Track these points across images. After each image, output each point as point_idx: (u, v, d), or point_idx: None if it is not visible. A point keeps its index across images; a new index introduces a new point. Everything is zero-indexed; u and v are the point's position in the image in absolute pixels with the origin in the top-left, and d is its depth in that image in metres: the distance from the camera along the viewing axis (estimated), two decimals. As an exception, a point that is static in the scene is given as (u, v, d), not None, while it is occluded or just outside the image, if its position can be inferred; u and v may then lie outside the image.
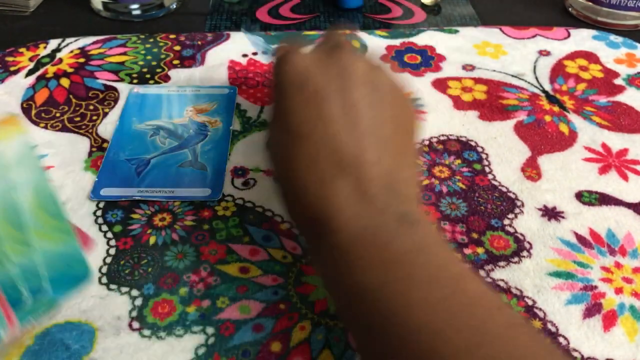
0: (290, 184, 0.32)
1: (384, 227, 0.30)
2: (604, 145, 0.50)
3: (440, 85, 0.57)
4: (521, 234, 0.42)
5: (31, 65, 0.59)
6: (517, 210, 0.44)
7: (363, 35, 0.64)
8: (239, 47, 0.62)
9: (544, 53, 0.62)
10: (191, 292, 0.38)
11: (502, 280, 0.39)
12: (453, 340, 0.25)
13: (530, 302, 0.38)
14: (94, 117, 0.52)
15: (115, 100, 0.54)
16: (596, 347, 0.35)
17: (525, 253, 0.41)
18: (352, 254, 0.29)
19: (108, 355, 0.34)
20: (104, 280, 0.39)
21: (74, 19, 0.68)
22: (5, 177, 0.31)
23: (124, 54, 0.60)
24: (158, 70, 0.58)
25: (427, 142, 0.50)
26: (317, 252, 0.32)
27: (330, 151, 0.31)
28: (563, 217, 0.44)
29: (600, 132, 0.52)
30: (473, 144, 0.50)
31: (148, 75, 0.57)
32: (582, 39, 0.64)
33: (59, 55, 0.60)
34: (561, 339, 0.36)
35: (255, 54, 0.61)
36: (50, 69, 0.58)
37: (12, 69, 0.58)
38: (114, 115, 0.52)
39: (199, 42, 0.62)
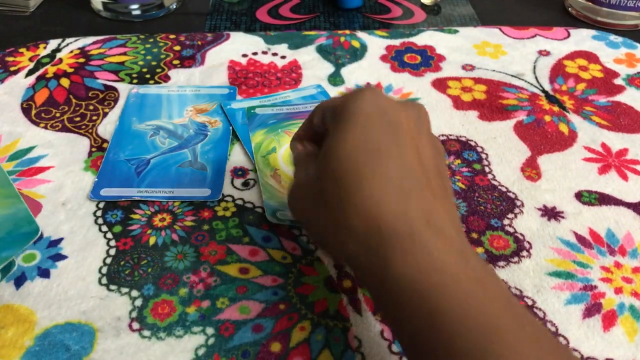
0: (360, 198, 0.31)
1: (469, 262, 0.29)
2: (603, 145, 0.50)
3: (440, 85, 0.57)
4: (521, 234, 0.42)
5: (31, 65, 0.59)
6: (516, 210, 0.44)
7: (363, 35, 0.64)
8: (239, 47, 0.62)
9: (543, 53, 0.62)
10: (191, 293, 0.38)
11: (502, 280, 0.39)
12: None
13: (530, 302, 0.38)
14: (94, 117, 0.52)
15: (115, 100, 0.54)
16: (596, 347, 0.35)
17: (524, 253, 0.41)
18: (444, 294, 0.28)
19: (108, 356, 0.34)
20: (104, 280, 0.39)
21: (74, 19, 0.68)
22: None
23: (124, 54, 0.60)
24: (158, 70, 0.58)
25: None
26: (380, 274, 0.30)
27: (404, 175, 0.32)
28: (563, 217, 0.44)
29: (600, 132, 0.52)
30: (473, 143, 0.50)
31: (148, 75, 0.57)
32: (582, 39, 0.64)
33: (59, 55, 0.60)
34: (561, 339, 0.36)
35: (255, 53, 0.61)
36: (50, 69, 0.58)
37: (12, 69, 0.58)
38: (113, 115, 0.53)
39: (199, 42, 0.62)
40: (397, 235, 0.29)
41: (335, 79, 0.57)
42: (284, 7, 0.71)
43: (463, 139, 0.51)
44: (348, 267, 0.34)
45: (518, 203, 0.45)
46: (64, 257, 0.40)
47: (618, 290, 0.39)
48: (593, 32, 0.65)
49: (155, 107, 0.53)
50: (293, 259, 0.40)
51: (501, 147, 0.50)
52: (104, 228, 0.42)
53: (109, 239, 0.42)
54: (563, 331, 0.36)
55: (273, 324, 0.36)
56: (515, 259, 0.41)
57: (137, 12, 0.67)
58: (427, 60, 0.60)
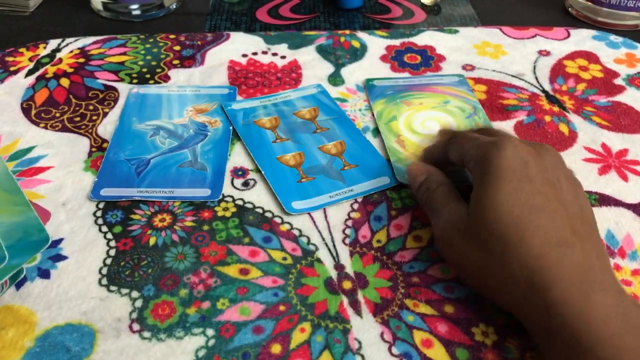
0: (522, 253, 0.33)
1: (630, 308, 0.31)
2: (603, 146, 0.50)
3: (440, 85, 0.57)
4: (521, 235, 0.42)
5: (31, 65, 0.59)
6: (516, 211, 0.44)
7: (363, 35, 0.64)
8: (239, 47, 0.62)
9: (543, 53, 0.62)
10: (191, 294, 0.38)
11: None
12: None
13: (529, 304, 0.38)
14: (94, 117, 0.52)
15: (115, 100, 0.54)
16: (596, 349, 0.35)
17: (525, 254, 0.41)
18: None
19: (108, 357, 0.34)
20: (104, 281, 0.39)
21: (74, 19, 0.68)
22: None
23: (124, 54, 0.60)
24: (158, 70, 0.58)
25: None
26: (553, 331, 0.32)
27: (556, 227, 0.34)
28: (563, 218, 0.44)
29: (600, 132, 0.52)
30: (473, 144, 0.50)
31: (148, 75, 0.57)
32: (582, 39, 0.64)
33: (58, 55, 0.60)
34: (561, 341, 0.36)
35: (255, 53, 0.61)
36: (50, 69, 0.58)
37: (12, 69, 0.58)
38: (113, 115, 0.53)
39: (199, 42, 0.62)
40: (557, 286, 0.32)
41: (335, 79, 0.57)
42: (284, 7, 0.71)
43: (463, 139, 0.51)
44: (513, 313, 0.35)
45: (518, 204, 0.45)
46: (64, 258, 0.40)
47: (618, 292, 0.39)
48: (593, 32, 0.65)
49: (155, 107, 0.53)
50: (293, 259, 0.40)
51: (501, 148, 0.50)
52: (104, 228, 0.42)
53: (109, 240, 0.42)
54: (563, 332, 0.36)
55: (273, 326, 0.36)
56: (515, 260, 0.41)
57: (137, 12, 0.67)
58: (427, 60, 0.60)
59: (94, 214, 0.43)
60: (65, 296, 0.38)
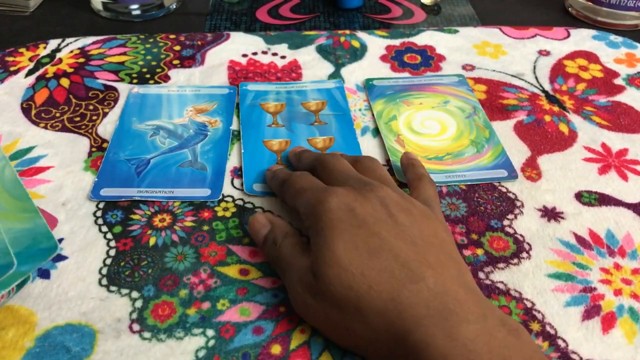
0: (368, 294, 0.32)
1: (494, 334, 0.30)
2: (603, 145, 0.50)
3: (440, 85, 0.57)
4: (521, 235, 0.42)
5: (31, 65, 0.59)
6: (516, 211, 0.44)
7: (363, 35, 0.64)
8: (239, 47, 0.62)
9: (543, 53, 0.62)
10: (191, 294, 0.38)
11: (502, 282, 0.39)
12: None
13: (529, 304, 0.38)
14: (94, 117, 0.52)
15: (115, 100, 0.54)
16: (595, 350, 0.35)
17: (524, 254, 0.41)
18: None
19: (108, 358, 0.34)
20: (104, 281, 0.39)
21: (73, 19, 0.68)
22: None
23: (124, 54, 0.60)
24: (158, 70, 0.58)
25: (426, 143, 0.50)
26: None
27: (401, 264, 0.33)
28: (563, 218, 0.44)
29: (600, 132, 0.52)
30: (473, 144, 0.50)
31: (148, 75, 0.57)
32: (582, 38, 0.64)
33: (58, 55, 0.60)
34: (560, 341, 0.36)
35: (255, 53, 0.61)
36: (50, 69, 0.58)
37: (12, 69, 0.58)
38: (113, 115, 0.53)
39: (199, 42, 0.62)
40: (418, 328, 0.30)
41: (335, 78, 0.57)
42: (284, 7, 0.71)
43: (463, 139, 0.51)
44: None
45: (518, 204, 0.45)
46: (64, 258, 0.40)
47: (617, 292, 0.39)
48: (593, 32, 0.65)
49: (155, 107, 0.53)
50: (293, 260, 0.40)
51: (501, 148, 0.50)
52: (104, 228, 0.42)
53: (109, 240, 0.42)
54: (562, 333, 0.36)
55: (273, 326, 0.36)
56: (515, 260, 0.41)
57: (137, 12, 0.67)
58: (427, 60, 0.60)
59: (94, 214, 0.43)
60: (65, 296, 0.38)
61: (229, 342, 0.35)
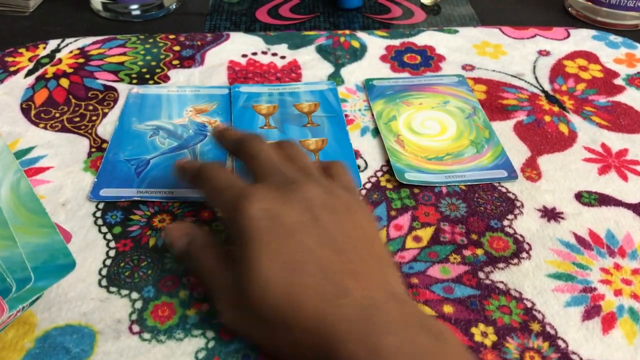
0: (292, 313, 0.31)
1: (416, 342, 0.30)
2: (603, 146, 0.50)
3: (440, 85, 0.57)
4: (520, 235, 0.42)
5: (31, 65, 0.59)
6: (516, 211, 0.44)
7: (363, 35, 0.64)
8: (239, 47, 0.62)
9: (543, 53, 0.62)
10: (191, 295, 0.38)
11: (502, 282, 0.39)
12: None
13: (529, 304, 0.38)
14: (94, 118, 0.52)
15: (115, 101, 0.54)
16: (595, 350, 0.35)
17: (524, 254, 0.41)
18: None
19: (108, 359, 0.34)
20: (104, 282, 0.39)
21: (73, 20, 0.68)
22: None
23: (124, 54, 0.60)
24: (157, 70, 0.58)
25: (426, 143, 0.50)
26: None
27: (326, 279, 0.32)
28: (562, 218, 0.44)
29: (600, 132, 0.52)
30: (473, 144, 0.50)
31: (147, 76, 0.57)
32: (582, 39, 0.64)
33: (58, 55, 0.60)
34: (560, 342, 0.36)
35: (255, 54, 0.61)
36: (50, 69, 0.58)
37: (11, 69, 0.58)
38: (113, 115, 0.52)
39: (199, 43, 0.62)
40: (342, 345, 0.30)
41: (335, 79, 0.57)
42: (284, 7, 0.71)
43: (463, 139, 0.51)
44: None
45: (518, 204, 0.45)
46: (63, 259, 0.40)
47: (617, 292, 0.39)
48: (593, 32, 0.65)
49: (155, 108, 0.53)
50: (293, 260, 0.40)
51: (501, 148, 0.50)
52: (104, 229, 0.42)
53: (109, 240, 0.42)
54: (562, 334, 0.36)
55: (273, 326, 0.36)
56: (515, 260, 0.41)
57: (137, 13, 0.67)
58: (427, 60, 0.60)
59: (94, 214, 0.43)
60: (64, 297, 0.38)
61: (229, 344, 0.35)
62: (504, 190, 0.46)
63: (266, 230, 0.33)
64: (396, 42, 0.63)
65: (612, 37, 0.64)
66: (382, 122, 0.52)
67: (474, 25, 0.68)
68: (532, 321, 0.37)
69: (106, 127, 0.51)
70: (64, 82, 0.56)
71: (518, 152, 0.49)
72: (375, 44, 0.63)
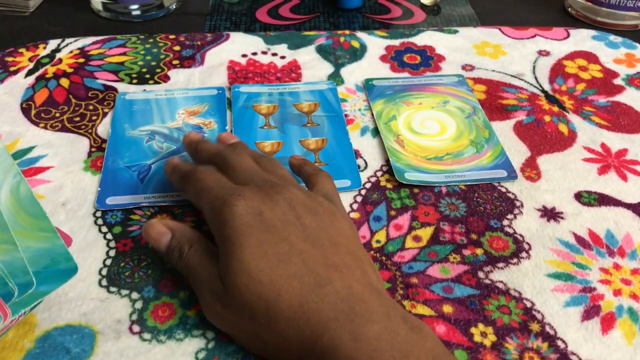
0: (277, 302, 0.32)
1: (397, 332, 0.30)
2: (603, 146, 0.50)
3: (440, 85, 0.57)
4: (520, 235, 0.42)
5: (31, 65, 0.59)
6: (516, 211, 0.44)
7: (363, 35, 0.64)
8: (239, 47, 0.62)
9: (543, 53, 0.62)
10: (191, 296, 0.38)
11: (501, 281, 0.39)
12: None
13: (529, 304, 0.38)
14: (94, 117, 0.52)
15: (115, 101, 0.54)
16: (594, 350, 0.35)
17: (524, 254, 0.41)
18: None
19: (108, 359, 0.34)
20: (104, 282, 0.39)
21: (73, 20, 0.68)
22: None
23: (124, 54, 0.60)
24: (158, 70, 0.58)
25: (426, 143, 0.50)
26: None
27: (309, 269, 0.33)
28: (562, 218, 0.44)
29: (600, 132, 0.52)
30: (472, 144, 0.50)
31: (148, 76, 0.57)
32: (582, 39, 0.64)
33: (58, 55, 0.60)
34: (559, 342, 0.36)
35: (255, 54, 0.61)
36: (50, 69, 0.58)
37: (11, 69, 0.58)
38: (113, 116, 0.53)
39: (199, 43, 0.62)
40: (325, 332, 0.31)
41: (335, 79, 0.57)
42: (284, 7, 0.71)
43: (463, 139, 0.51)
44: None
45: (517, 204, 0.45)
46: (64, 259, 0.40)
47: (617, 292, 0.39)
48: (593, 32, 0.65)
49: (145, 113, 0.53)
50: (293, 260, 0.40)
51: (501, 148, 0.50)
52: (104, 229, 0.42)
53: (109, 240, 0.42)
54: (561, 334, 0.36)
55: (273, 326, 0.36)
56: (515, 260, 0.41)
57: (137, 13, 0.67)
58: (427, 60, 0.60)
59: (94, 214, 0.43)
60: (65, 297, 0.38)
61: (229, 344, 0.35)
62: (503, 190, 0.46)
63: (251, 224, 0.34)
64: (396, 42, 0.63)
65: (612, 37, 0.64)
66: (382, 122, 0.52)
67: (473, 26, 0.68)
68: (531, 321, 0.37)
69: (106, 127, 0.51)
70: (64, 82, 0.56)
71: (518, 152, 0.49)
72: (375, 44, 0.63)
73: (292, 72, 0.58)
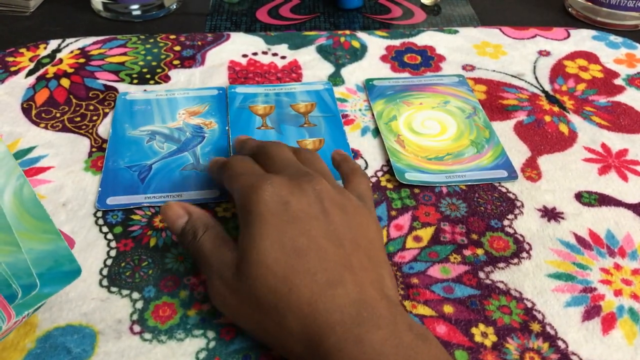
0: (293, 302, 0.32)
1: (402, 338, 0.30)
2: (603, 146, 0.50)
3: (440, 85, 0.57)
4: (521, 235, 0.43)
5: (31, 65, 0.59)
6: (516, 211, 0.44)
7: (363, 35, 0.64)
8: (239, 47, 0.62)
9: (543, 53, 0.62)
10: (192, 296, 0.38)
11: (502, 281, 0.39)
12: None
13: (529, 304, 0.38)
14: (94, 118, 0.52)
15: (116, 101, 0.54)
16: (595, 351, 0.35)
17: (524, 254, 0.41)
18: None
19: (109, 359, 0.34)
20: (105, 282, 0.39)
21: (74, 20, 0.68)
22: None
23: (124, 54, 0.60)
24: (158, 70, 0.58)
25: (427, 143, 0.50)
26: None
27: (324, 268, 0.33)
28: (562, 218, 0.44)
29: (600, 132, 0.52)
30: (473, 145, 0.50)
31: (148, 76, 0.57)
32: (582, 39, 0.64)
33: (59, 55, 0.60)
34: (560, 342, 0.36)
35: (255, 54, 0.61)
36: (51, 69, 0.58)
37: (12, 69, 0.58)
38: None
39: (199, 43, 0.62)
40: (332, 334, 0.31)
41: (335, 79, 0.57)
42: (284, 7, 0.71)
43: (463, 139, 0.51)
44: None
45: (518, 204, 0.45)
46: (64, 259, 0.40)
47: (617, 293, 0.39)
48: (593, 32, 0.65)
49: (146, 113, 0.53)
50: (293, 260, 0.40)
51: (501, 148, 0.50)
52: (105, 229, 0.42)
53: (110, 240, 0.42)
54: (562, 334, 0.36)
55: (273, 326, 0.36)
56: (515, 260, 0.41)
57: (137, 13, 0.67)
58: (427, 60, 0.60)
59: (94, 214, 0.43)
60: (65, 297, 0.38)
61: (230, 344, 0.35)
62: (504, 190, 0.46)
63: (274, 212, 0.34)
64: (396, 42, 0.63)
65: (612, 38, 0.64)
66: (382, 122, 0.52)
67: (474, 26, 0.68)
68: (532, 321, 0.37)
69: (107, 127, 0.51)
70: (65, 82, 0.56)
71: (518, 152, 0.49)
72: (376, 44, 0.63)
73: (293, 72, 0.58)
